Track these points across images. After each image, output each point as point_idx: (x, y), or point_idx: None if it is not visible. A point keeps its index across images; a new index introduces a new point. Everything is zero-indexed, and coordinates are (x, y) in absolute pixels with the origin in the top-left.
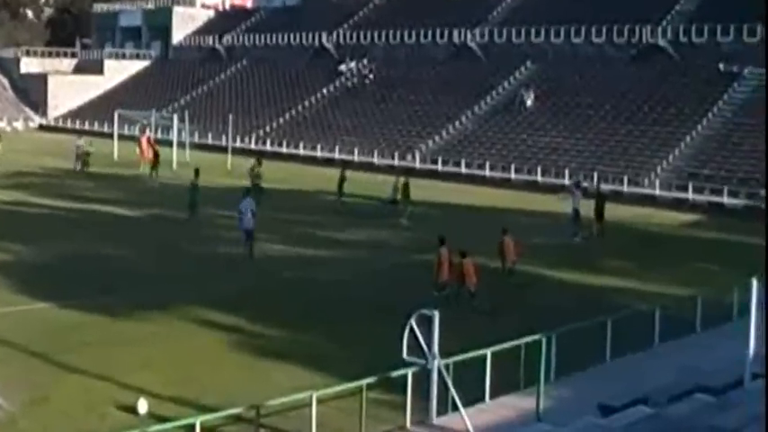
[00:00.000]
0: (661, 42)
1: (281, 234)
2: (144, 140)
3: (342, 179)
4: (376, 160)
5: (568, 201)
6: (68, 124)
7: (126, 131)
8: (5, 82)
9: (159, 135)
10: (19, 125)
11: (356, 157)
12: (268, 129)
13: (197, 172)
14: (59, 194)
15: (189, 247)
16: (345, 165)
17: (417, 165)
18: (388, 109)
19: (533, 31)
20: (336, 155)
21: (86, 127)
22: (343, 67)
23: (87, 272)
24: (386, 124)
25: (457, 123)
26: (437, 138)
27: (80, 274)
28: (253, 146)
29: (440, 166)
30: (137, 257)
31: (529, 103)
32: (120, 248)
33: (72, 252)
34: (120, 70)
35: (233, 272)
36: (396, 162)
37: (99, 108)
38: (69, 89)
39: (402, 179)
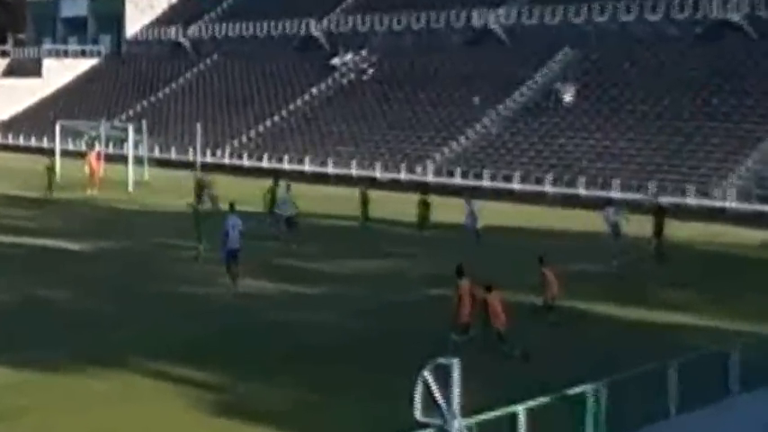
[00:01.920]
0: (734, 17)
1: (260, 267)
2: (94, 157)
3: (365, 199)
4: (378, 174)
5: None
6: None
7: (70, 146)
8: None
9: (111, 150)
10: None
11: (354, 171)
12: (245, 139)
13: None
14: None
15: (148, 285)
16: (362, 182)
17: (430, 178)
18: (392, 111)
19: (572, 9)
20: (329, 169)
21: (20, 142)
22: (336, 61)
23: (25, 320)
24: (390, 130)
25: (478, 126)
26: (454, 145)
27: (16, 322)
28: (226, 160)
29: (458, 179)
30: (86, 301)
31: (567, 98)
32: (65, 290)
33: (5, 296)
34: (61, 71)
35: (203, 314)
36: (403, 176)
37: (36, 118)
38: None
39: (423, 198)
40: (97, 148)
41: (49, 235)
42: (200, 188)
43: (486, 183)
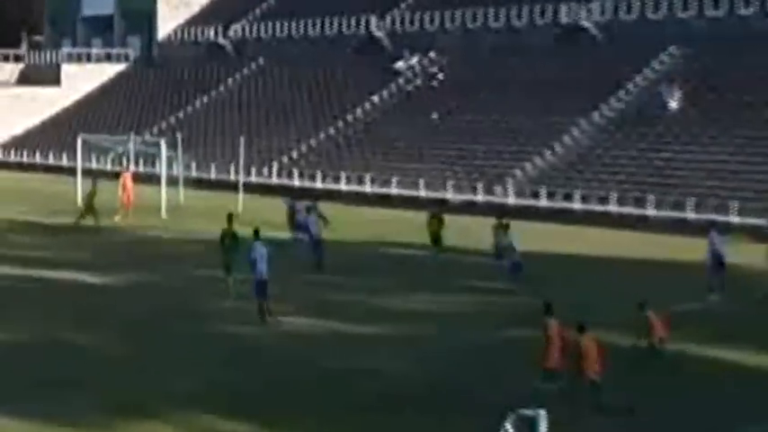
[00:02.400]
0: None
1: (307, 302)
2: (128, 179)
3: (438, 225)
4: (450, 195)
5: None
6: (11, 157)
7: (93, 164)
8: None
9: (141, 168)
10: None
11: (422, 192)
12: (295, 155)
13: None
14: (3, 257)
15: (180, 324)
16: (432, 204)
17: (511, 200)
18: (465, 122)
19: (678, 1)
20: (393, 189)
21: (36, 159)
22: (400, 65)
23: (46, 364)
24: (463, 144)
25: (566, 138)
26: (538, 160)
27: (37, 367)
28: (274, 179)
29: (543, 201)
30: (112, 343)
31: (673, 104)
32: (88, 331)
33: (24, 337)
34: (83, 78)
35: (244, 358)
36: (480, 197)
37: (54, 133)
38: (11, 107)
39: (500, 222)
40: (131, 166)
41: (70, 267)
42: (230, 217)
43: (576, 205)
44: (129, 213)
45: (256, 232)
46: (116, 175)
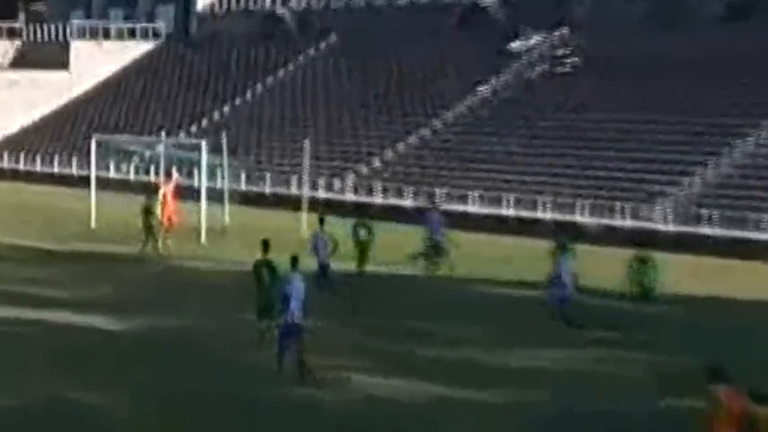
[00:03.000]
0: None
1: (388, 358)
2: (169, 192)
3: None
4: (581, 218)
5: None
6: (4, 162)
7: (112, 173)
8: None
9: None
10: None
11: (546, 213)
12: (377, 163)
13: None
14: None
15: (209, 384)
16: (558, 229)
17: (670, 227)
18: (604, 121)
19: None
20: (505, 209)
21: (37, 167)
22: (517, 45)
23: None
24: (602, 150)
25: (753, 138)
26: (705, 171)
27: None
28: (349, 195)
29: (705, 228)
30: (124, 407)
31: None
32: (97, 391)
33: (20, 400)
34: (99, 60)
35: (292, 427)
36: (620, 222)
37: (60, 132)
38: (5, 97)
39: (638, 255)
40: (174, 176)
41: (82, 308)
42: (265, 245)
43: (759, 234)
44: (169, 239)
45: (294, 260)
46: (139, 188)
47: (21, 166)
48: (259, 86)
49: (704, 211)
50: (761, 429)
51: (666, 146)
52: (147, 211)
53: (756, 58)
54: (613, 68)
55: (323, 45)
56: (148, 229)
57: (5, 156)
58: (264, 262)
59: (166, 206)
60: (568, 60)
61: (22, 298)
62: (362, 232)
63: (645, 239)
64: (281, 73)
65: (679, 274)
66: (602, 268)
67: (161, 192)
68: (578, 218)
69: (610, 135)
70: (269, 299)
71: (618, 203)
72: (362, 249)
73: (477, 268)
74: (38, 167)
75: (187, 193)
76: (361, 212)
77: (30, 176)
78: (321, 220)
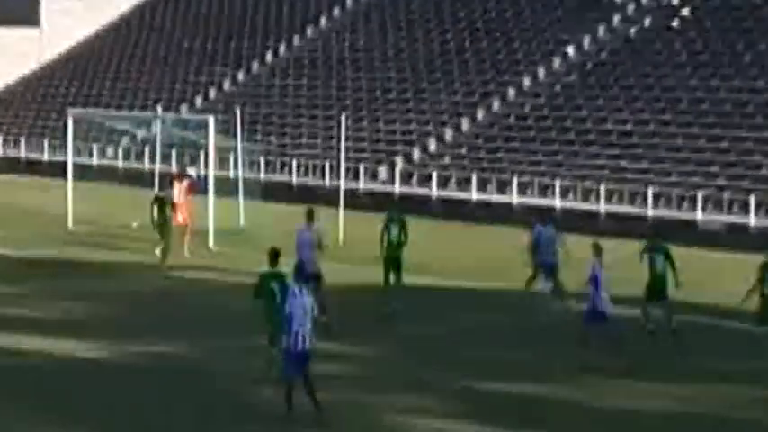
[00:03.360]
0: None
1: (450, 393)
2: (185, 187)
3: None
4: (700, 216)
5: None
6: None
7: (94, 159)
8: None
9: (173, 165)
10: None
11: (648, 209)
12: (433, 147)
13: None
14: None
15: (205, 427)
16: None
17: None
18: (729, 90)
19: None
20: (599, 204)
21: None
22: None
23: None
24: (727, 128)
25: None
26: None
27: None
28: (396, 186)
29: None
30: None
31: None
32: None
33: None
34: (76, 16)
35: None
36: (752, 220)
37: (29, 105)
38: None
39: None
40: (192, 172)
41: (56, 332)
42: (274, 254)
43: None
44: (189, 243)
45: (298, 269)
46: (129, 178)
47: None
48: (282, 48)
49: None
50: None
51: None
52: (161, 206)
53: None
54: (738, 22)
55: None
56: (161, 229)
57: None
58: (273, 275)
59: (183, 203)
60: (682, 13)
61: None
62: (395, 231)
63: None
64: (309, 31)
65: None
66: (727, 279)
67: (178, 187)
68: (695, 215)
69: (736, 111)
70: (278, 321)
71: (749, 197)
72: (396, 256)
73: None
74: None
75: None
76: (396, 205)
77: None
78: (310, 212)
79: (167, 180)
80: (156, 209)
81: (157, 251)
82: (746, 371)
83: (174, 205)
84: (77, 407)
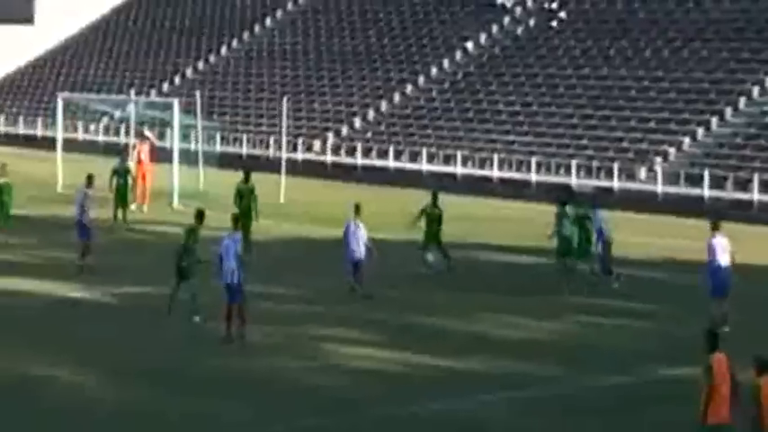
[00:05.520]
0: None
1: (393, 329)
2: (145, 150)
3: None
4: (575, 181)
5: None
6: None
7: (80, 135)
8: None
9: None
10: None
11: (532, 175)
12: (358, 124)
13: (200, 215)
14: None
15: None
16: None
17: (659, 188)
18: (599, 81)
19: None
20: (493, 171)
21: (0, 127)
22: None
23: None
24: (594, 109)
25: (744, 102)
26: (705, 135)
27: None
28: (329, 156)
29: (705, 190)
30: (89, 383)
31: None
32: (65, 366)
33: None
34: (66, 13)
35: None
36: (616, 183)
37: (25, 90)
38: None
39: None
40: (149, 135)
41: (40, 275)
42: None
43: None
44: (145, 201)
45: (236, 221)
46: (108, 150)
47: None
48: (235, 42)
49: (694, 171)
50: (762, 399)
51: (663, 106)
52: (117, 174)
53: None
54: (608, 23)
55: (300, 0)
56: (118, 194)
57: None
58: (194, 228)
59: (141, 167)
60: (558, 15)
61: None
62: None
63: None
64: (257, 29)
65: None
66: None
67: (135, 152)
68: (570, 179)
69: (604, 94)
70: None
71: (611, 165)
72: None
73: (464, 230)
74: (1, 128)
75: (160, 155)
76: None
77: None
78: (357, 208)
79: (125, 149)
80: (113, 180)
81: (133, 206)
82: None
83: (140, 164)
84: (62, 339)
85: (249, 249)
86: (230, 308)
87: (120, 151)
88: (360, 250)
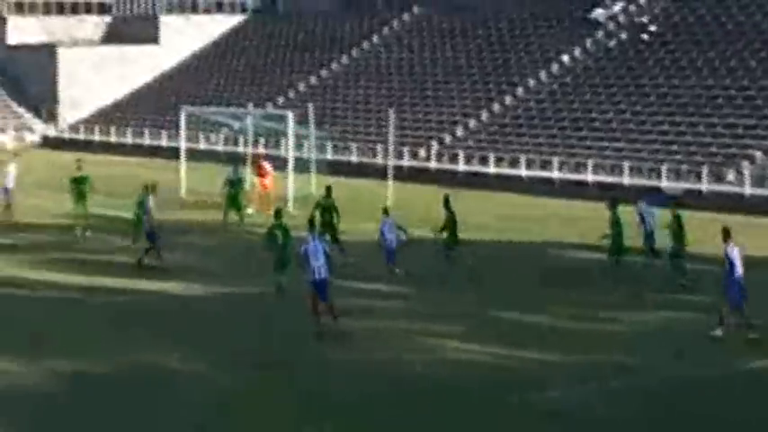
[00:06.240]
0: None
1: (476, 323)
2: (266, 163)
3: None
4: (665, 183)
5: None
6: (95, 135)
7: (201, 145)
8: None
9: (261, 149)
10: (6, 138)
11: (625, 179)
12: (460, 132)
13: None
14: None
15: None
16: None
17: (747, 189)
18: (688, 89)
19: None
20: (588, 175)
21: (128, 138)
22: (599, 13)
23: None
24: (683, 116)
25: None
26: None
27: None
28: (432, 163)
29: None
30: (220, 376)
31: None
32: (176, 356)
33: (107, 366)
34: (188, 34)
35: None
36: (705, 186)
37: (150, 104)
38: (96, 71)
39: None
40: (261, 151)
41: (166, 276)
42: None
43: None
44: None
45: (311, 223)
46: (227, 159)
47: (112, 139)
48: (345, 58)
49: None
50: None
51: (750, 111)
52: (230, 183)
53: None
54: (696, 36)
55: (406, 17)
56: (230, 200)
57: (96, 129)
58: (277, 226)
59: (266, 176)
60: (649, 29)
61: (113, 266)
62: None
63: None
64: (365, 45)
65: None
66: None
67: (259, 161)
68: (661, 183)
69: (693, 102)
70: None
71: (701, 168)
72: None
73: (559, 231)
74: (128, 139)
75: (276, 164)
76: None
77: (120, 149)
78: (385, 210)
79: (245, 161)
80: (226, 188)
81: (250, 210)
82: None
83: (260, 175)
84: (178, 332)
85: (341, 249)
86: (320, 304)
87: (234, 162)
88: (391, 238)
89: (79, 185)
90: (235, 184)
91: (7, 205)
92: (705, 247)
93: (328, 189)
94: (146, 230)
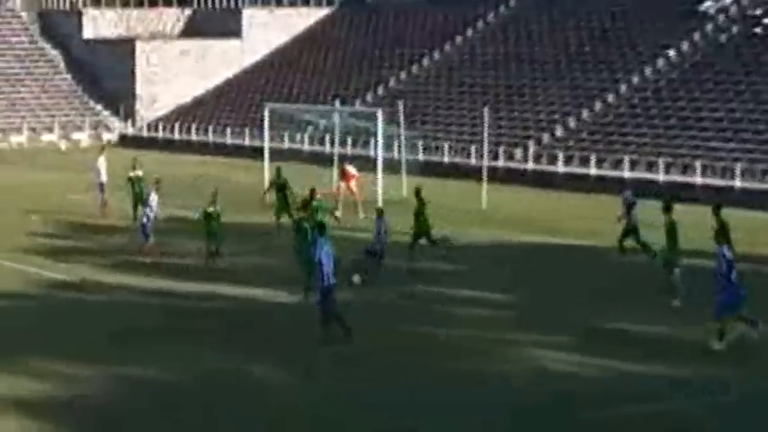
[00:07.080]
0: None
1: (580, 331)
2: (350, 167)
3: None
4: None
5: None
6: (175, 133)
7: (285, 143)
8: (58, 58)
9: (349, 149)
10: (83, 136)
11: (736, 181)
12: (560, 132)
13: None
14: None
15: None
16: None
17: None
18: None
19: None
20: (697, 177)
21: (209, 137)
22: (708, 5)
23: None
24: None
25: None
26: None
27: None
28: (530, 164)
29: None
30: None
31: None
32: (258, 363)
33: (181, 373)
34: (272, 28)
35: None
36: None
37: (232, 101)
38: (176, 67)
39: None
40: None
41: (260, 283)
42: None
43: None
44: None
45: (321, 227)
46: (313, 159)
47: (193, 137)
48: (437, 53)
49: None
50: None
51: None
52: (276, 188)
53: None
54: None
55: (502, 9)
56: (281, 203)
57: (176, 127)
58: (304, 218)
59: (348, 181)
60: (763, 21)
61: (197, 271)
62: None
63: None
64: (458, 40)
65: None
66: None
67: (346, 169)
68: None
69: None
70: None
71: None
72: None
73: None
74: (209, 138)
75: (364, 165)
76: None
77: (201, 148)
78: (380, 212)
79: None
80: (273, 192)
81: (338, 213)
82: None
83: (346, 180)
84: (255, 340)
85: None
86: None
87: (277, 168)
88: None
89: (134, 185)
90: (281, 187)
91: (104, 204)
92: None
93: (278, 170)
94: (140, 223)
